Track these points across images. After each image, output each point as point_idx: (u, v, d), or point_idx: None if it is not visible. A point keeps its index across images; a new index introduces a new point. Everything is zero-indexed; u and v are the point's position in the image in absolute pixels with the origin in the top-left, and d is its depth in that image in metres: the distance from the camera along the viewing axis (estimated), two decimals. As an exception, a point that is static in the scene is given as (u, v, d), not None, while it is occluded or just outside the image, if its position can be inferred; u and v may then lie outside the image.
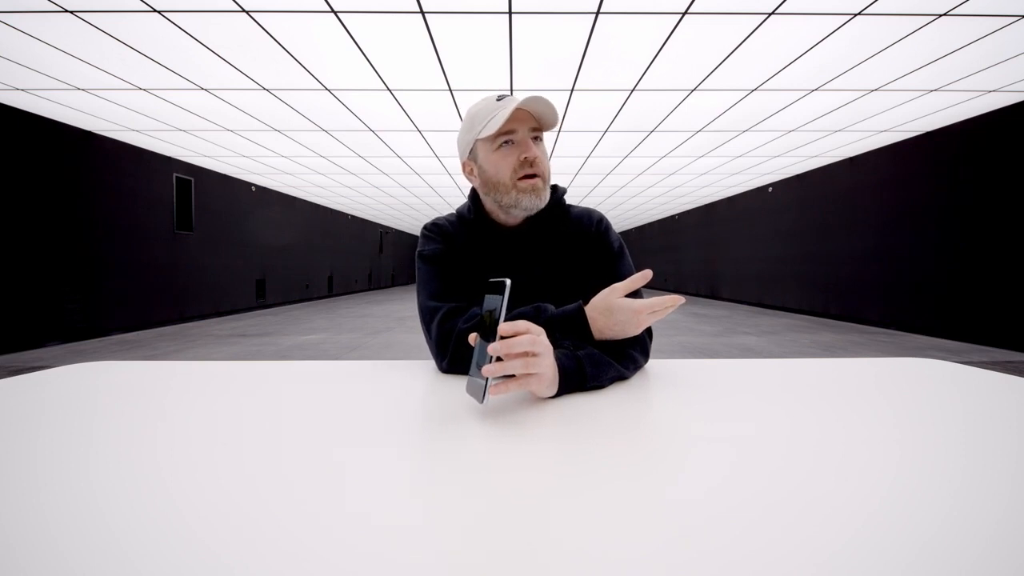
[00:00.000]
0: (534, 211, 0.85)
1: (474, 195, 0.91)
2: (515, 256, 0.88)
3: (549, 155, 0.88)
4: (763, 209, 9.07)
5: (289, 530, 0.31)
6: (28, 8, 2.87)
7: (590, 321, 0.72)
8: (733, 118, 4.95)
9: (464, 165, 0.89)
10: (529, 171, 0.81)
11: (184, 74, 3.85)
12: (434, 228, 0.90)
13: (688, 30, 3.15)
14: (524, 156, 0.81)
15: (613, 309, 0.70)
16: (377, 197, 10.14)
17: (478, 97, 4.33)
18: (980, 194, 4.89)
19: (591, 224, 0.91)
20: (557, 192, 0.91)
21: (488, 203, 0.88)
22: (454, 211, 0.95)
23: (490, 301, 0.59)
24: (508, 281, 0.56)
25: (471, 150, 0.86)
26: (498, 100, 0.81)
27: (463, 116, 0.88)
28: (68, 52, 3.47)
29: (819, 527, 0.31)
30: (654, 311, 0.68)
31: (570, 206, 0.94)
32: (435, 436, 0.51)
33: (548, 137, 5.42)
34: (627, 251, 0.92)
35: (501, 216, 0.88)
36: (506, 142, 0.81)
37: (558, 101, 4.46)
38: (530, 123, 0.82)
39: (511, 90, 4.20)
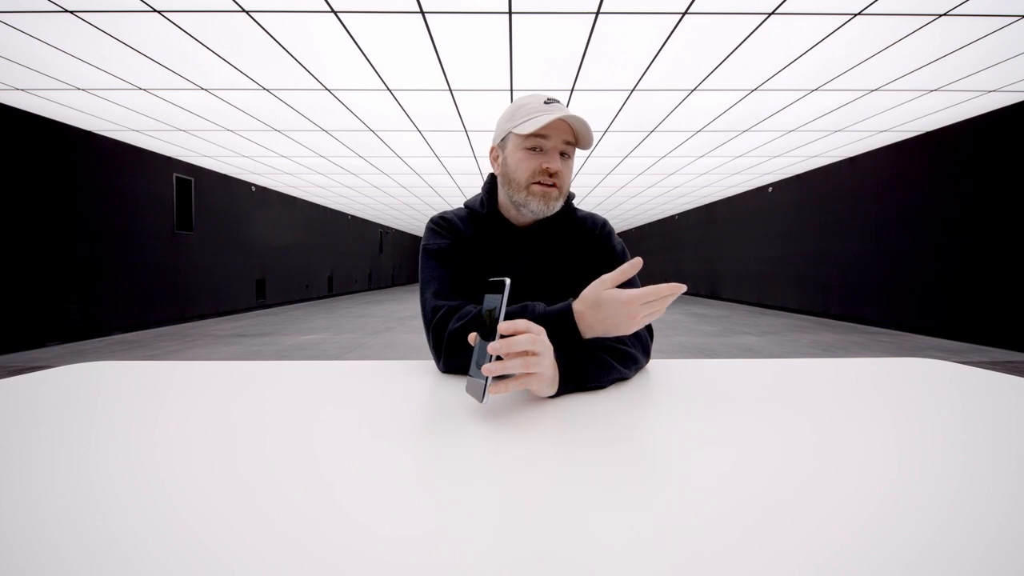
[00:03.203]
0: (540, 217, 0.86)
1: (489, 188, 0.92)
2: (521, 254, 0.89)
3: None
4: (763, 209, 9.07)
5: (288, 530, 0.31)
6: (28, 8, 2.86)
7: (578, 316, 0.67)
8: (733, 118, 4.94)
9: (492, 150, 0.91)
10: (547, 181, 0.82)
11: (184, 74, 3.85)
12: (442, 222, 0.90)
13: (688, 30, 3.15)
14: (545, 166, 0.82)
15: (601, 302, 0.64)
16: (377, 197, 10.14)
17: (478, 97, 4.35)
18: (980, 194, 4.89)
19: (595, 227, 0.93)
20: (567, 196, 0.93)
21: (502, 196, 0.89)
22: (463, 205, 0.95)
23: (490, 300, 0.59)
24: (508, 280, 0.57)
25: (503, 138, 0.87)
26: (545, 103, 0.81)
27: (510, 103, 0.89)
28: (68, 52, 3.47)
29: (819, 527, 0.31)
30: (648, 301, 0.61)
31: (576, 209, 0.96)
32: (435, 436, 0.51)
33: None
34: (628, 254, 0.93)
35: (512, 212, 0.89)
36: (536, 147, 0.82)
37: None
38: (566, 136, 0.82)
39: (511, 90, 4.20)
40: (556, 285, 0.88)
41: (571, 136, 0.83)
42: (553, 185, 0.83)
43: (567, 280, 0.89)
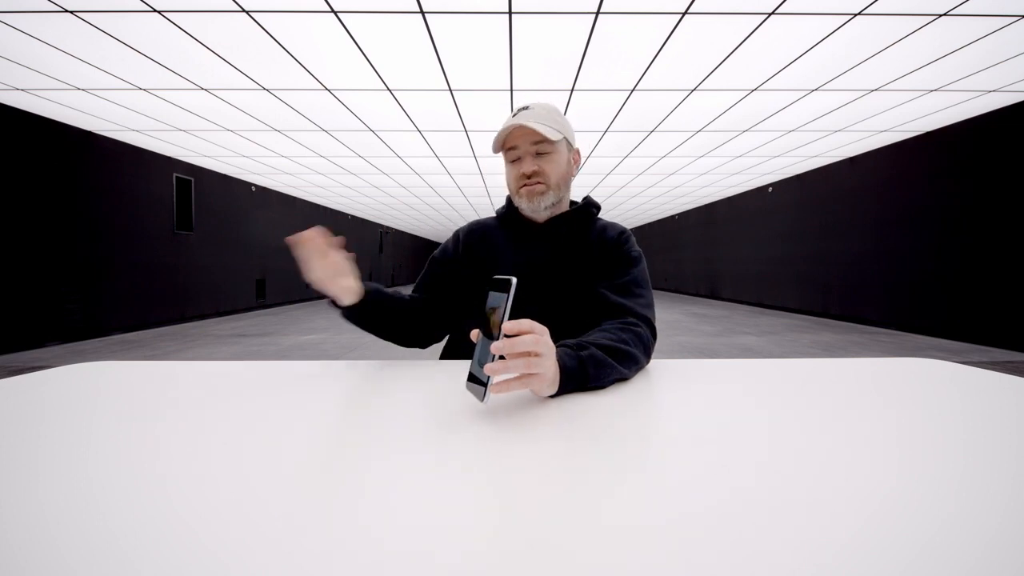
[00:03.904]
0: (535, 213, 0.95)
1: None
2: (539, 243, 0.97)
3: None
4: (763, 209, 9.07)
5: (288, 530, 0.31)
6: (28, 8, 2.86)
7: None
8: (733, 118, 4.94)
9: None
10: (527, 183, 0.92)
11: (184, 74, 3.85)
12: (456, 232, 1.03)
13: (688, 30, 3.15)
14: (521, 171, 0.92)
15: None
16: (377, 197, 10.14)
17: (478, 97, 4.35)
18: (980, 194, 4.89)
19: (613, 234, 0.98)
20: (589, 201, 1.01)
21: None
22: (495, 213, 1.08)
23: (494, 299, 0.58)
24: (514, 280, 0.56)
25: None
26: (513, 116, 0.91)
27: None
28: (68, 52, 3.47)
29: (819, 527, 0.31)
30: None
31: (598, 218, 1.02)
32: (435, 435, 0.51)
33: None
34: (644, 262, 0.97)
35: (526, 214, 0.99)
36: (513, 158, 0.93)
37: (558, 101, 4.45)
38: (532, 137, 0.90)
39: (511, 90, 4.20)
40: (568, 276, 0.94)
41: (536, 136, 0.90)
42: (537, 183, 0.92)
43: (578, 274, 0.93)
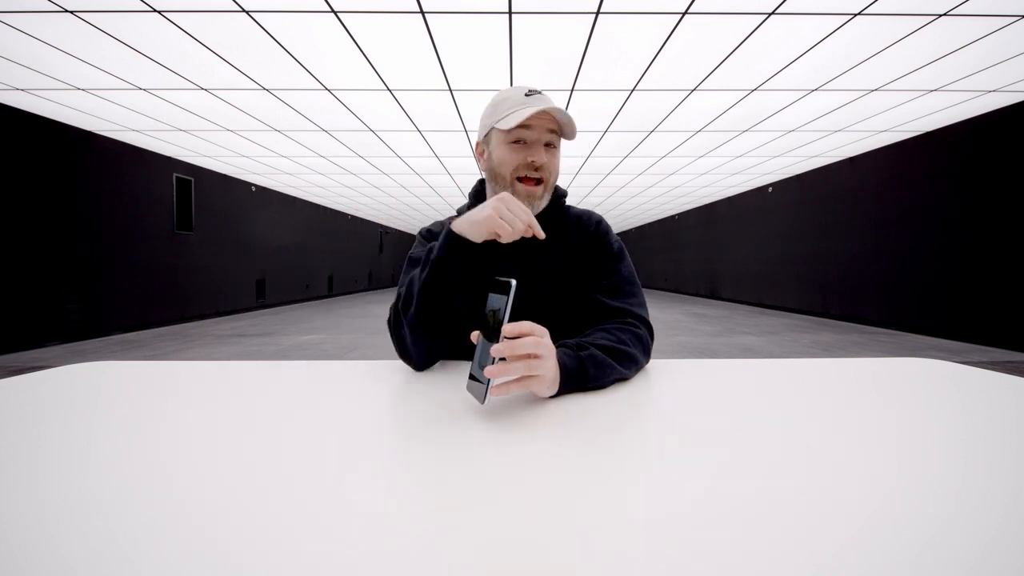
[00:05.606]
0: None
1: (477, 192, 0.93)
2: (510, 249, 0.85)
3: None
4: (763, 209, 9.07)
5: (289, 530, 0.31)
6: (28, 8, 2.86)
7: None
8: (733, 118, 4.94)
9: (477, 145, 0.89)
10: (533, 175, 0.81)
11: (184, 74, 3.85)
12: (427, 233, 0.91)
13: (688, 30, 3.15)
14: (531, 159, 0.80)
15: None
16: (377, 197, 10.14)
17: (478, 97, 4.34)
18: (980, 194, 4.89)
19: (590, 224, 0.92)
20: (558, 192, 0.91)
21: (490, 194, 0.89)
22: (455, 211, 0.94)
23: (494, 300, 0.58)
24: (514, 281, 0.55)
25: (487, 134, 0.85)
26: (526, 95, 0.80)
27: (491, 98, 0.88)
28: (68, 52, 3.47)
29: (819, 527, 0.31)
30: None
31: (568, 207, 0.94)
32: (435, 436, 0.51)
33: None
34: (627, 253, 0.92)
35: None
36: (519, 140, 0.81)
37: (558, 101, 4.45)
38: (549, 126, 0.81)
39: (511, 90, 4.20)
40: (545, 278, 0.86)
41: (555, 125, 0.81)
42: (539, 182, 0.82)
43: (557, 273, 0.87)
